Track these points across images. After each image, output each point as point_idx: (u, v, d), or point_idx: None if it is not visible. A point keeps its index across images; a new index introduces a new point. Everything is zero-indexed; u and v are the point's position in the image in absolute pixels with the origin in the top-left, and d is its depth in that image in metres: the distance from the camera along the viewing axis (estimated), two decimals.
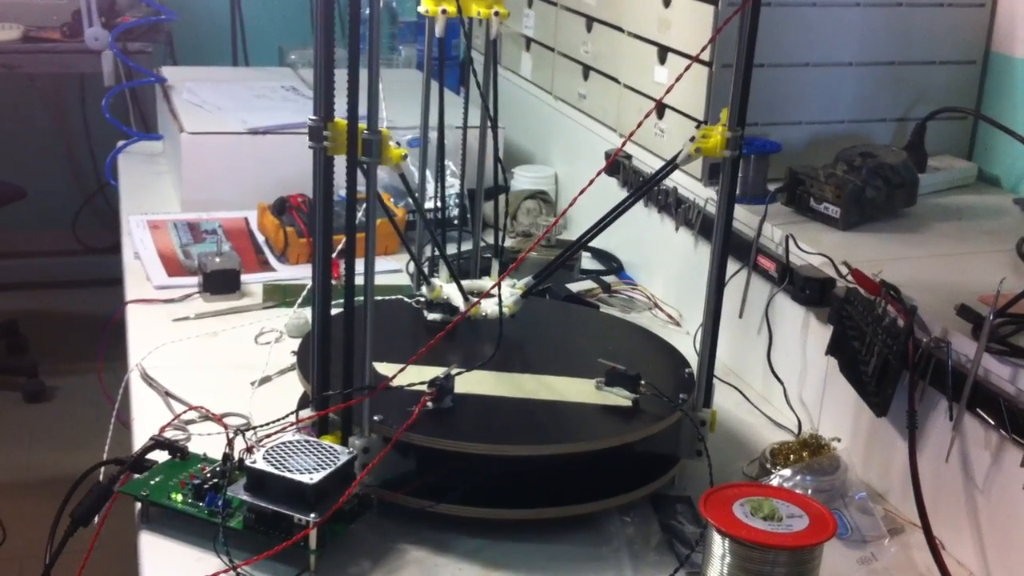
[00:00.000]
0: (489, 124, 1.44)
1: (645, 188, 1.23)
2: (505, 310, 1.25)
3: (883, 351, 1.18)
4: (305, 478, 1.03)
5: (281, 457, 1.06)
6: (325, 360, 1.13)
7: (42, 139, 4.03)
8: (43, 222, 4.01)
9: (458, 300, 1.33)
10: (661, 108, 1.67)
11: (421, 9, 1.39)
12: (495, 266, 1.42)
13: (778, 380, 1.40)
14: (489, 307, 1.28)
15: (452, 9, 1.36)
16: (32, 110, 4.00)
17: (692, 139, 1.15)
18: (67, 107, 4.00)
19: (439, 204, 1.50)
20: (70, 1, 3.36)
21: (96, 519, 1.12)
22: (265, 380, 1.41)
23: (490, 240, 1.56)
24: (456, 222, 1.84)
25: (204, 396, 1.34)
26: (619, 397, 1.20)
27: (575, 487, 1.16)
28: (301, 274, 1.72)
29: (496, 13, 1.39)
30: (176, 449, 1.17)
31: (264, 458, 1.06)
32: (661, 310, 1.70)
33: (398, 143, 1.09)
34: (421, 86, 1.45)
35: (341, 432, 1.12)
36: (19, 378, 3.37)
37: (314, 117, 1.07)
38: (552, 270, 1.28)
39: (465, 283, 1.35)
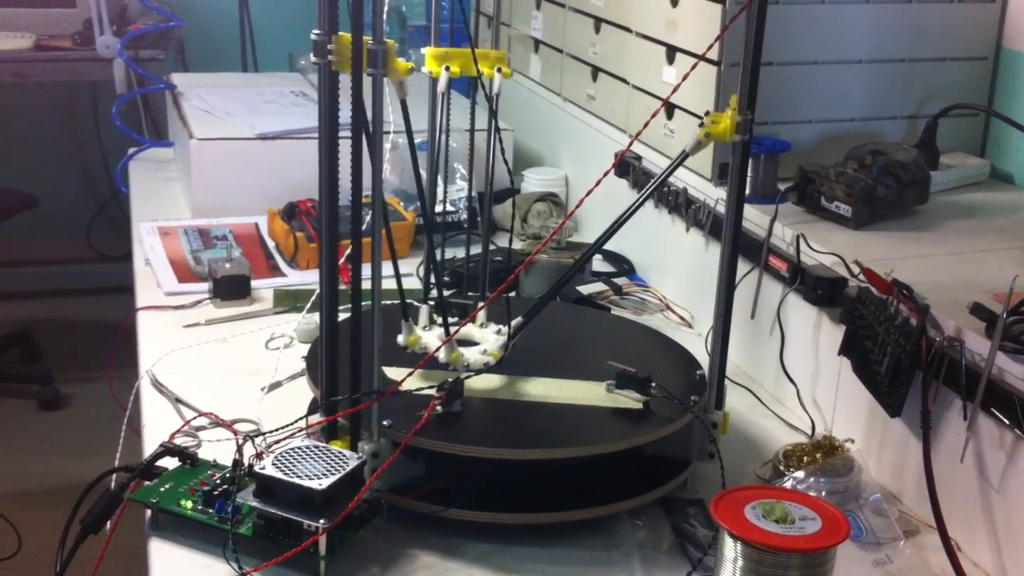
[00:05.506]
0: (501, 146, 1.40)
1: (659, 180, 1.20)
2: (490, 358, 1.19)
3: (896, 351, 1.17)
4: (314, 484, 1.03)
5: (290, 463, 1.06)
6: (333, 365, 1.13)
7: (54, 147, 4.04)
8: (56, 230, 4.02)
9: (439, 348, 1.17)
10: (670, 108, 1.66)
11: (425, 70, 1.34)
12: (484, 317, 1.31)
13: (791, 381, 1.39)
14: (473, 356, 1.20)
15: (456, 69, 1.32)
16: (44, 118, 4.01)
17: (701, 125, 1.13)
18: (79, 115, 4.01)
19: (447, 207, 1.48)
20: (81, 9, 3.38)
21: (107, 526, 1.12)
22: (275, 386, 1.41)
23: (500, 244, 1.55)
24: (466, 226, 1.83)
25: (214, 402, 1.34)
26: (630, 400, 1.20)
27: (586, 491, 1.15)
28: (311, 279, 1.72)
29: (499, 70, 1.34)
30: (186, 456, 1.17)
31: (273, 464, 1.06)
32: (673, 312, 1.69)
33: None
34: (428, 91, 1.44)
35: (350, 437, 1.12)
36: (34, 386, 3.38)
37: (318, 31, 1.02)
38: (554, 292, 1.25)
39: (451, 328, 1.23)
